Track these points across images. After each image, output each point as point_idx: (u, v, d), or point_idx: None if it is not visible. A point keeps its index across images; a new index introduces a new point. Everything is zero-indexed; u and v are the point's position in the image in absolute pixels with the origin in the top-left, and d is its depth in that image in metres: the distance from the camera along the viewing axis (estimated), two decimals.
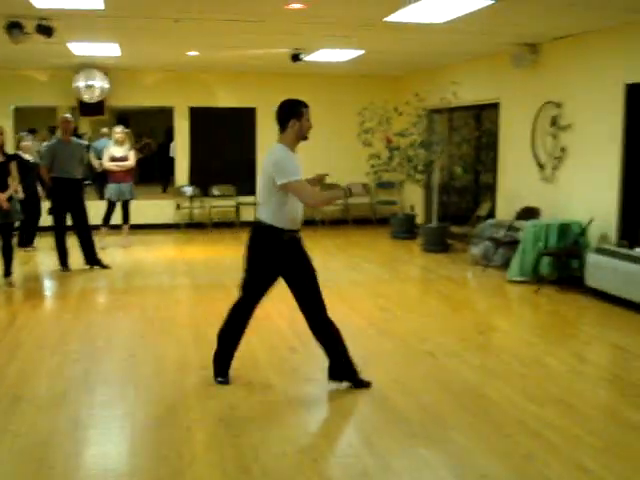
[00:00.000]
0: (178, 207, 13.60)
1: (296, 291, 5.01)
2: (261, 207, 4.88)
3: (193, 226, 13.56)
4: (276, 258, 4.86)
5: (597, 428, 4.42)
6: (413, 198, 13.61)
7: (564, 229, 8.49)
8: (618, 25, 7.88)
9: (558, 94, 9.09)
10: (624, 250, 7.57)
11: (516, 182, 10.27)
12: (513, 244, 9.12)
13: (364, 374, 5.28)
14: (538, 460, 3.91)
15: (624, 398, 4.99)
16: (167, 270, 9.73)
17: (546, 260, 8.46)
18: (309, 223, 13.84)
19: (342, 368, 4.98)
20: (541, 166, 9.50)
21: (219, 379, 5.05)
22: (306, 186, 4.71)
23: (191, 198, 13.65)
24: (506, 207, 10.36)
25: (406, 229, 12.63)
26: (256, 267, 4.94)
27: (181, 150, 13.82)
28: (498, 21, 7.87)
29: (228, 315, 5.06)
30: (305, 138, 4.91)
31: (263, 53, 10.59)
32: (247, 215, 13.92)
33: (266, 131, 13.84)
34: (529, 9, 7.15)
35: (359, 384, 4.98)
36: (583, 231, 8.31)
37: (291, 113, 4.82)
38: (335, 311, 7.22)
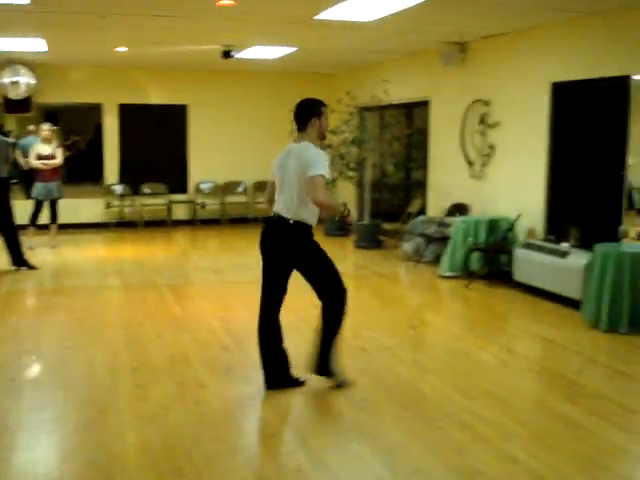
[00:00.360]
0: (108, 206, 13.36)
1: (316, 282, 5.11)
2: (289, 205, 4.74)
3: (123, 225, 13.34)
4: (304, 253, 4.90)
5: (527, 419, 4.52)
6: (346, 195, 13.67)
7: (493, 225, 8.65)
8: (544, 24, 8.07)
9: (486, 92, 9.26)
10: (551, 245, 7.76)
11: (446, 179, 10.42)
12: (444, 240, 9.26)
13: (297, 371, 5.30)
14: (469, 452, 3.97)
15: (552, 389, 5.12)
16: (97, 270, 9.56)
17: (476, 255, 8.61)
18: (242, 221, 13.83)
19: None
20: (470, 163, 9.67)
21: (300, 380, 4.99)
22: (326, 185, 4.58)
23: (121, 196, 13.43)
24: (437, 204, 10.51)
25: (339, 226, 12.67)
26: (284, 263, 4.96)
27: (110, 148, 13.56)
28: (427, 20, 7.96)
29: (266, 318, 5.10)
30: (324, 137, 4.92)
31: (194, 49, 10.48)
32: (179, 213, 13.81)
33: (198, 128, 13.75)
34: (457, 8, 7.27)
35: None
36: (511, 226, 8.49)
37: (312, 112, 4.78)
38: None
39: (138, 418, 4.44)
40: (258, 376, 5.24)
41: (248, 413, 4.59)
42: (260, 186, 14.08)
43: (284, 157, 4.83)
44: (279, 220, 4.79)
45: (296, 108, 4.86)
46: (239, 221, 13.96)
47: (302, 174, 4.57)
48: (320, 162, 4.55)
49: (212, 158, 13.84)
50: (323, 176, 4.51)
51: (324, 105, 4.86)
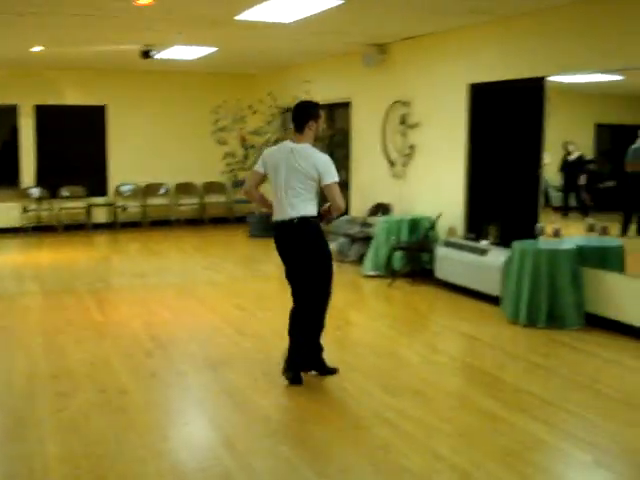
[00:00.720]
0: (25, 210, 12.97)
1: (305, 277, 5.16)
2: (297, 203, 4.96)
3: (41, 229, 12.97)
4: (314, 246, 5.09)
5: (450, 416, 4.60)
6: (270, 196, 13.62)
7: (415, 224, 8.77)
8: (462, 27, 8.22)
9: (406, 93, 9.38)
10: (470, 243, 7.92)
11: (368, 179, 10.52)
12: (367, 240, 9.34)
13: (223, 375, 5.29)
14: (394, 450, 4.01)
15: (474, 385, 5.22)
16: (14, 276, 9.27)
17: (398, 254, 8.71)
18: (164, 223, 13.65)
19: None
20: (392, 163, 9.78)
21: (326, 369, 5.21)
22: (339, 189, 4.94)
23: (38, 200, 13.06)
24: (360, 204, 10.59)
25: (263, 228, 12.62)
26: (320, 256, 5.09)
27: (26, 150, 13.16)
28: (347, 21, 8.02)
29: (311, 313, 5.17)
30: (317, 138, 5.16)
31: (112, 49, 10.28)
32: (99, 217, 13.52)
33: (117, 129, 13.49)
34: (376, 10, 7.33)
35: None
36: (432, 225, 8.62)
37: (310, 115, 4.98)
38: (193, 312, 7.21)
39: (59, 427, 4.33)
40: (182, 380, 5.21)
41: (173, 419, 4.53)
42: (182, 188, 13.94)
43: (285, 155, 4.97)
44: (298, 219, 4.97)
45: (295, 109, 5.08)
46: (161, 224, 13.76)
47: (307, 175, 4.87)
48: (331, 167, 4.90)
49: (133, 160, 13.60)
50: (337, 182, 4.92)
51: (321, 108, 5.12)
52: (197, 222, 14.03)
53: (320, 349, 5.25)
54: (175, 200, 13.90)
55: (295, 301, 5.22)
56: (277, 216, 5.11)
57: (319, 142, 11.31)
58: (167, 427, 4.40)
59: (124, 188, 13.65)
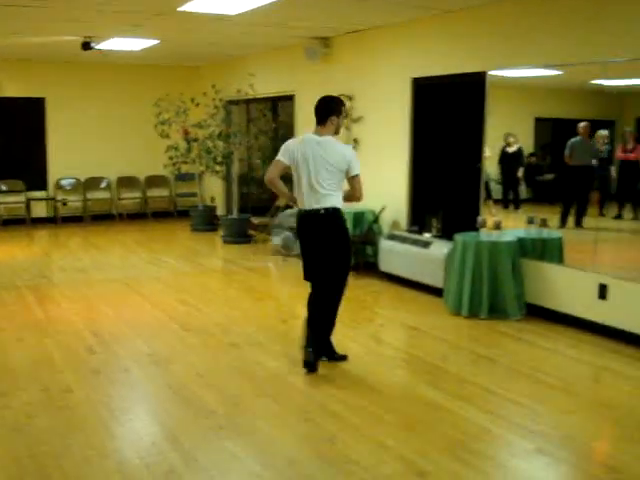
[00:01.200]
0: None
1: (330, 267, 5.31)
2: (326, 195, 5.11)
3: None
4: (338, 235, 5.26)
5: (395, 406, 4.65)
6: (213, 190, 13.57)
7: (359, 217, 8.81)
8: (405, 21, 8.28)
9: (350, 87, 9.41)
10: (414, 235, 8.01)
11: None
12: None
13: (168, 371, 5.26)
14: (340, 442, 4.04)
15: (419, 375, 5.28)
16: None
17: None
18: (106, 217, 13.46)
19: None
20: None
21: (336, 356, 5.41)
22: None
23: None
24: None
25: (207, 221, 12.58)
26: (345, 246, 5.28)
27: None
28: (291, 15, 8.01)
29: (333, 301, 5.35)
30: (337, 133, 5.29)
31: (51, 40, 10.07)
32: (39, 211, 13.26)
33: (57, 122, 13.23)
34: (321, 4, 7.34)
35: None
36: (376, 218, 8.69)
37: (333, 110, 5.19)
38: (136, 308, 7.13)
39: (1, 427, 4.24)
40: (126, 377, 5.16)
41: (117, 416, 4.47)
42: (124, 181, 13.76)
43: (312, 147, 5.11)
44: (326, 210, 5.13)
45: (319, 103, 5.25)
46: (103, 218, 13.56)
47: (338, 168, 5.07)
48: (358, 162, 5.15)
49: (73, 153, 13.35)
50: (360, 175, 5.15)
51: (344, 105, 5.30)
52: (139, 216, 13.87)
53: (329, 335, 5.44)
54: (117, 194, 13.70)
55: (314, 291, 5.36)
56: (304, 206, 5.21)
57: (263, 135, 11.40)
58: (112, 424, 4.34)
59: (64, 182, 13.40)
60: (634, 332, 5.89)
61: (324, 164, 5.08)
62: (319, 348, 5.28)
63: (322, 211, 5.12)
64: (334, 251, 5.22)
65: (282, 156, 5.24)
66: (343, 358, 5.45)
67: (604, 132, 7.11)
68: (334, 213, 5.15)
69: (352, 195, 5.25)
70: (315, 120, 5.24)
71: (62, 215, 13.35)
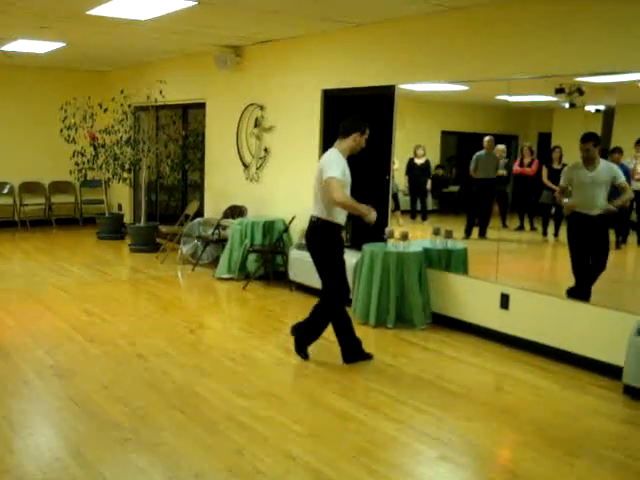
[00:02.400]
0: None
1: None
2: (316, 205, 5.49)
3: None
4: (339, 246, 5.57)
5: (302, 416, 4.66)
6: (120, 197, 13.32)
7: (269, 226, 8.83)
8: (317, 33, 8.36)
9: (261, 96, 9.42)
10: None
11: (223, 181, 10.47)
12: (221, 242, 9.31)
13: (71, 383, 5.13)
14: (248, 453, 4.03)
15: (325, 385, 5.30)
16: None
17: (252, 257, 8.75)
18: (8, 224, 13.01)
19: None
20: (246, 166, 9.79)
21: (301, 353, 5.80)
22: (341, 186, 5.27)
23: None
24: (214, 206, 10.53)
25: (113, 229, 12.33)
26: (328, 256, 5.56)
27: None
28: (202, 22, 7.96)
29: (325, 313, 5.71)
30: (355, 152, 5.57)
31: None
32: None
33: None
34: (230, 13, 7.32)
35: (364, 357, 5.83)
36: (286, 228, 8.71)
37: (357, 128, 5.47)
38: (38, 318, 6.93)
39: None
40: (27, 390, 5.01)
41: (17, 430, 4.32)
42: (28, 187, 13.34)
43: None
44: (314, 220, 5.54)
45: (348, 119, 5.58)
46: (4, 224, 13.10)
47: (320, 176, 5.36)
48: (332, 164, 5.29)
49: None
50: (336, 178, 5.22)
51: (367, 126, 5.55)
52: (43, 223, 13.47)
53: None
54: (20, 200, 13.27)
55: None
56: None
57: (172, 142, 11.28)
58: (12, 439, 4.19)
59: None
60: (534, 340, 6.11)
61: (316, 177, 5.51)
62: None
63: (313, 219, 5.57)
64: (315, 261, 5.65)
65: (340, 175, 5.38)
66: (369, 356, 5.87)
67: (501, 146, 7.36)
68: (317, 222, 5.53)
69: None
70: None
71: None
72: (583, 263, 6.17)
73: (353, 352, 5.79)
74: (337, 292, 5.62)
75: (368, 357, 5.85)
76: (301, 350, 5.83)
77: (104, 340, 6.24)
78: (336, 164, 5.33)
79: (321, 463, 3.92)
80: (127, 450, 4.05)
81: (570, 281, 6.14)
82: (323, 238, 5.55)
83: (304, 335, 5.84)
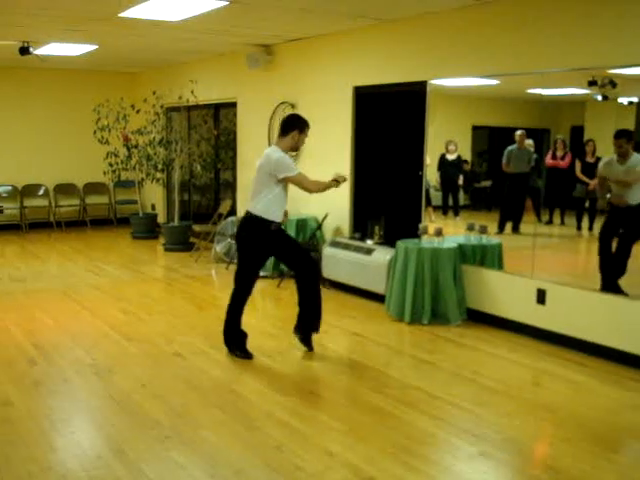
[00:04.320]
0: None
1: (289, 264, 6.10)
2: (252, 200, 5.67)
3: None
4: (266, 244, 5.68)
5: (340, 413, 4.68)
6: (154, 197, 13.44)
7: (302, 224, 8.85)
8: (347, 30, 8.35)
9: (292, 95, 9.44)
10: (356, 242, 8.07)
11: None
12: None
13: (110, 381, 5.20)
14: (287, 450, 4.05)
15: (363, 382, 5.31)
16: None
17: None
18: (44, 225, 13.19)
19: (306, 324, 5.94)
20: None
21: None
22: (306, 176, 5.60)
23: None
24: (247, 204, 10.54)
25: (147, 229, 12.45)
26: (250, 253, 5.71)
27: None
28: (234, 22, 7.99)
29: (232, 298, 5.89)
30: (296, 150, 5.81)
31: None
32: None
33: None
34: (262, 12, 7.34)
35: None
36: (319, 225, 8.72)
37: (295, 126, 5.60)
38: (76, 317, 7.02)
39: None
40: (68, 389, 5.08)
41: (59, 428, 4.39)
42: (62, 188, 13.52)
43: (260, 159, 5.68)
44: (248, 215, 5.68)
45: (285, 117, 5.79)
46: (41, 226, 13.30)
47: (265, 174, 5.53)
48: (286, 162, 5.49)
49: (9, 160, 13.04)
50: (298, 172, 5.53)
51: (308, 126, 5.69)
52: (78, 224, 13.64)
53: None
54: (55, 201, 13.45)
55: None
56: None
57: (204, 142, 11.35)
58: (54, 437, 4.27)
59: (0, 189, 13.08)
60: (572, 335, 6.06)
61: (257, 173, 5.71)
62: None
63: (247, 216, 5.72)
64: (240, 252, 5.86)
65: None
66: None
67: (529, 141, 7.30)
68: (250, 218, 5.68)
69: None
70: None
71: None
72: (610, 256, 6.13)
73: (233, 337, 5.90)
74: (245, 286, 5.87)
75: (247, 355, 5.82)
76: (309, 336, 6.00)
77: (141, 339, 6.31)
78: (289, 162, 5.53)
79: (360, 459, 3.93)
80: (167, 447, 4.09)
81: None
82: (253, 233, 5.67)
83: (308, 323, 5.96)
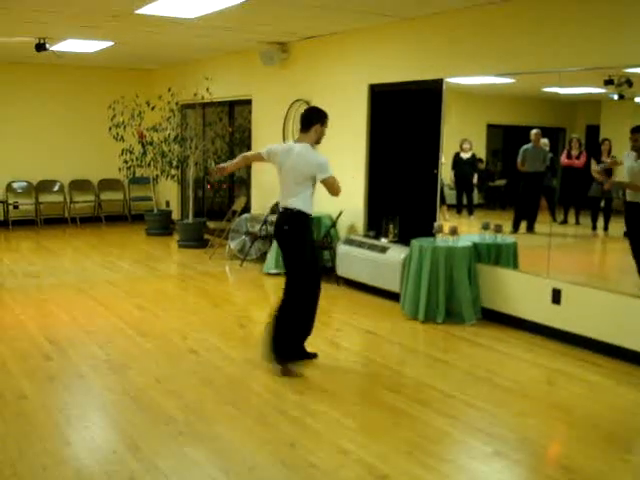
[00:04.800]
0: None
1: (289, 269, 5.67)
2: (292, 197, 5.43)
3: None
4: (310, 235, 5.59)
5: (354, 411, 4.68)
6: (168, 194, 13.47)
7: (316, 221, 8.81)
8: (362, 28, 8.34)
9: (307, 92, 9.44)
10: (371, 240, 8.06)
11: (270, 177, 10.46)
12: (269, 238, 9.36)
13: (125, 377, 5.22)
14: (301, 447, 4.05)
15: (377, 380, 5.31)
16: None
17: None
18: (59, 221, 13.26)
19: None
20: None
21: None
22: (336, 180, 5.44)
23: None
24: (261, 202, 10.59)
25: (162, 225, 12.48)
26: (303, 248, 5.48)
27: None
28: (249, 19, 8.00)
29: (293, 304, 5.47)
30: (318, 143, 5.57)
31: (4, 41, 9.89)
32: None
33: (7, 124, 12.97)
34: (278, 9, 7.35)
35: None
36: (333, 223, 8.72)
37: (317, 119, 5.47)
38: (91, 313, 7.05)
39: None
40: (82, 383, 5.11)
41: (74, 423, 4.41)
42: (77, 185, 13.58)
43: (287, 152, 5.48)
44: (288, 210, 5.47)
45: (305, 112, 5.61)
46: (56, 221, 13.36)
47: (301, 172, 5.35)
48: (326, 162, 5.38)
49: (25, 156, 13.11)
50: (333, 175, 5.40)
51: (327, 117, 5.55)
52: (93, 220, 13.71)
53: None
54: (70, 197, 13.51)
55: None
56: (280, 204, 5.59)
57: (219, 139, 11.36)
58: (69, 431, 4.29)
59: (16, 185, 13.16)
60: (587, 336, 6.02)
61: (284, 168, 5.49)
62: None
63: (286, 211, 5.48)
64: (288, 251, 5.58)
65: (262, 151, 5.75)
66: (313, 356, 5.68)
67: (545, 140, 7.27)
68: (292, 213, 5.46)
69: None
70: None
71: (13, 219, 13.10)
72: None
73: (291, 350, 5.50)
74: (306, 284, 5.52)
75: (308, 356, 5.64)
76: (304, 355, 5.61)
77: (156, 335, 6.33)
78: (326, 161, 5.41)
79: (374, 458, 3.92)
80: (182, 443, 4.10)
81: (622, 275, 6.04)
82: (299, 228, 5.49)
83: (293, 341, 5.52)
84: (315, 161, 5.37)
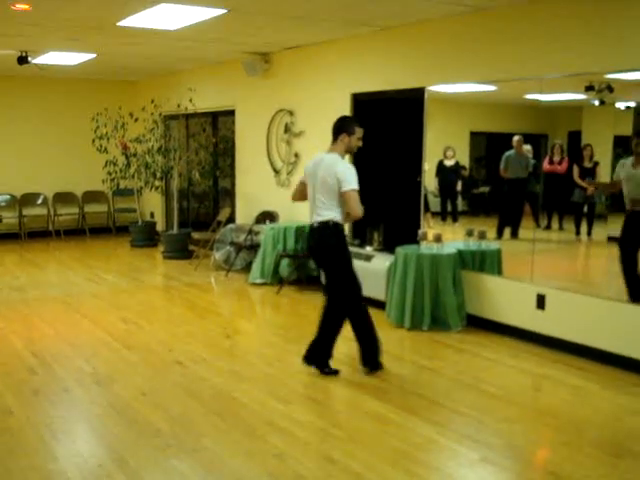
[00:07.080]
0: None
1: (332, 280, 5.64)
2: (324, 209, 5.29)
3: None
4: (331, 251, 5.43)
5: (341, 420, 4.68)
6: (153, 205, 13.44)
7: (301, 231, 8.84)
8: (345, 37, 8.38)
9: (290, 102, 9.46)
10: (356, 249, 8.05)
11: (254, 187, 10.53)
12: (254, 248, 9.35)
13: (111, 390, 5.19)
14: (289, 457, 4.04)
15: (362, 389, 5.29)
16: None
17: (285, 262, 8.77)
18: (43, 234, 13.18)
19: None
20: (277, 171, 9.84)
21: (326, 370, 5.52)
22: (358, 196, 5.17)
23: None
24: (246, 212, 10.59)
25: (146, 237, 12.45)
26: (349, 260, 5.43)
27: None
28: (231, 30, 8.01)
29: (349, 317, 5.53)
30: (351, 152, 5.54)
31: None
32: None
33: None
34: (260, 20, 7.37)
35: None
36: None
37: (342, 128, 5.36)
38: (76, 326, 7.02)
39: None
40: (67, 397, 5.07)
41: (60, 438, 4.38)
42: (61, 197, 13.52)
43: (317, 165, 5.35)
44: (322, 223, 5.32)
45: (335, 121, 5.47)
46: (40, 234, 13.30)
47: (333, 183, 5.17)
48: (352, 174, 5.17)
49: (7, 169, 13.05)
50: (356, 190, 5.14)
51: (359, 126, 5.42)
52: (77, 232, 13.65)
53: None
54: (54, 210, 13.45)
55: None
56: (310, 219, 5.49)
57: (203, 150, 11.36)
58: (55, 446, 4.25)
59: None
60: (572, 340, 6.06)
61: (316, 180, 5.33)
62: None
63: (315, 225, 5.39)
64: (326, 264, 5.55)
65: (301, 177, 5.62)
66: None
67: (528, 147, 7.31)
68: (323, 226, 5.34)
69: (349, 213, 5.30)
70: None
71: None
72: (635, 265, 6.00)
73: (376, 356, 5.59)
74: (354, 291, 5.52)
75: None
76: (325, 367, 5.57)
77: (141, 347, 6.30)
78: (353, 174, 5.20)
79: (361, 466, 3.92)
80: (168, 456, 4.08)
81: (606, 280, 6.07)
82: (342, 240, 5.42)
83: (321, 351, 5.59)
84: (335, 170, 5.20)
